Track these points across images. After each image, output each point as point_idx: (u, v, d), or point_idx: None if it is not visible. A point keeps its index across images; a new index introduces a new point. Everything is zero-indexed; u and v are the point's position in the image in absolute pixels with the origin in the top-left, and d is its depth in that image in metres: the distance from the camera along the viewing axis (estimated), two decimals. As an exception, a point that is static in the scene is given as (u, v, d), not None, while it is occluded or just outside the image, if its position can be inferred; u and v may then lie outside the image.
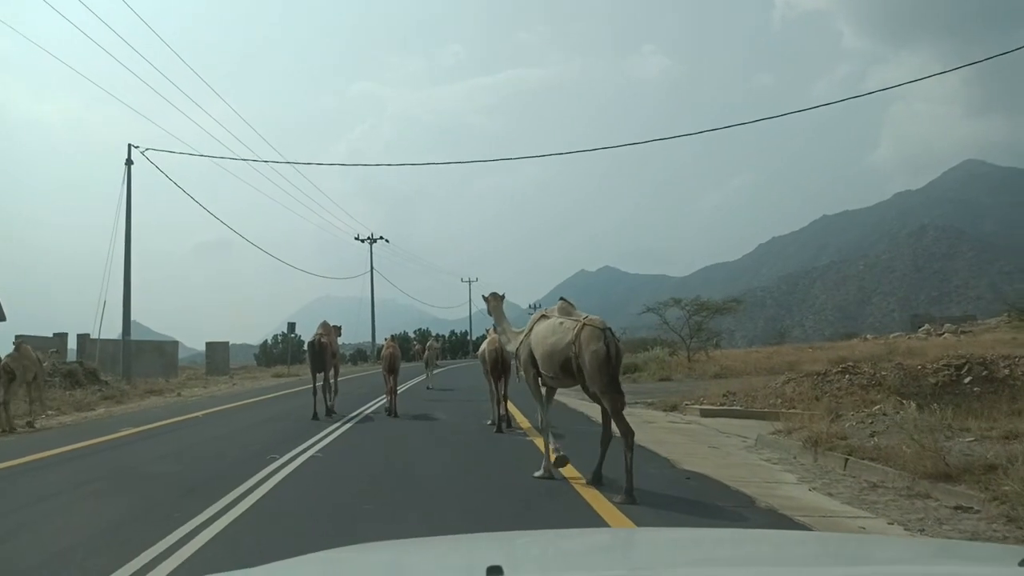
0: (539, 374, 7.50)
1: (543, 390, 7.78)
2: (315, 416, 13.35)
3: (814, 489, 7.18)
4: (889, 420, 9.15)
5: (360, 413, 14.83)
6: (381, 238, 60.78)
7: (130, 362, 25.71)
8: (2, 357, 13.66)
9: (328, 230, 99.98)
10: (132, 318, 26.48)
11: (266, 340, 62.18)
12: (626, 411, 6.91)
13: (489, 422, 12.07)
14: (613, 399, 6.74)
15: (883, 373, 14.96)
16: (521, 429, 11.90)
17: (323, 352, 14.02)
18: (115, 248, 25.91)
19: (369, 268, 60.01)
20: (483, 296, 9.54)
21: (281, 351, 47.15)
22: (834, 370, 15.58)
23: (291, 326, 46.75)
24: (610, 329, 6.83)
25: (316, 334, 14.38)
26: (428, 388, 22.20)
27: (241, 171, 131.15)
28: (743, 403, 15.11)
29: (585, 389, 7.26)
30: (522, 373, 8.11)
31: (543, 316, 7.58)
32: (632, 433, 6.63)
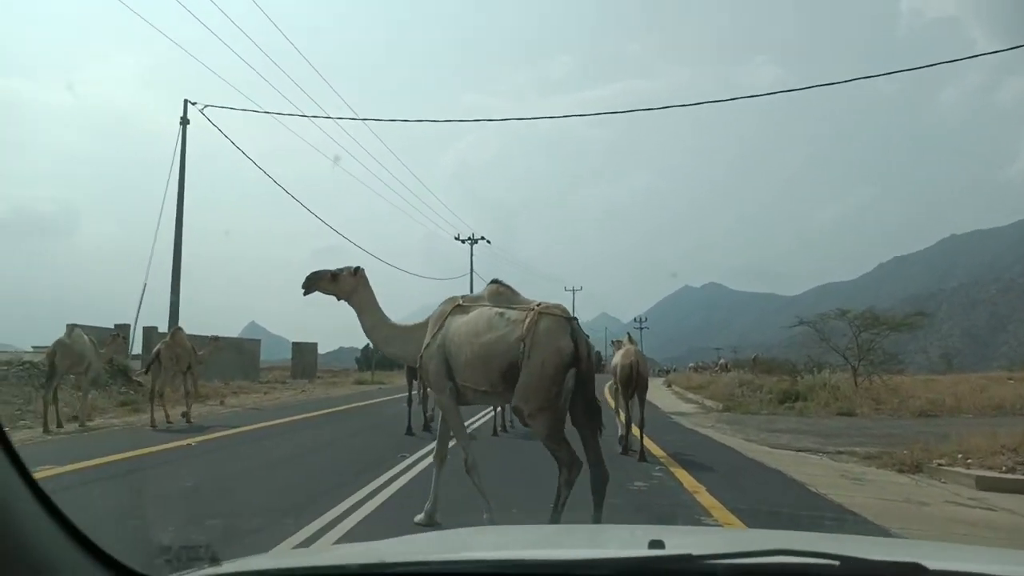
0: (457, 390, 5.30)
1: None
2: (409, 431, 12.00)
3: None
4: None
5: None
6: (482, 238, 57.66)
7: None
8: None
9: (436, 235, 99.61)
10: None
11: (367, 344, 60.61)
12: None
13: (620, 444, 10.35)
14: (549, 429, 4.73)
15: None
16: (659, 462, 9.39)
17: None
18: (163, 224, 22.21)
19: (469, 271, 56.65)
20: (330, 271, 5.85)
21: (377, 356, 45.04)
22: None
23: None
24: (576, 319, 5.01)
25: None
26: None
27: (358, 174, 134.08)
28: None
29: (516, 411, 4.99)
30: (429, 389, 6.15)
31: (459, 307, 5.40)
32: (580, 465, 4.84)
